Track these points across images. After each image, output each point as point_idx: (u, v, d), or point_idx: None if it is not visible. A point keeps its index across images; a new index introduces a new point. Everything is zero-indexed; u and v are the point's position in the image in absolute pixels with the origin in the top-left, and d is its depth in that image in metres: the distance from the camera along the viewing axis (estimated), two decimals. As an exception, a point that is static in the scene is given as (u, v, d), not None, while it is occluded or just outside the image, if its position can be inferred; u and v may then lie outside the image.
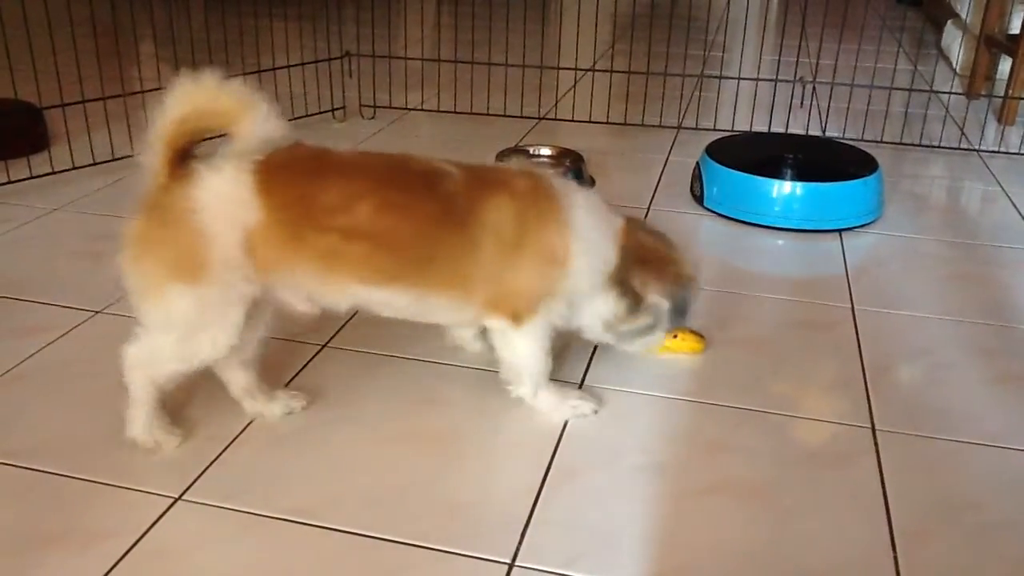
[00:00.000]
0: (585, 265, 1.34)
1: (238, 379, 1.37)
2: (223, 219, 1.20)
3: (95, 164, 2.38)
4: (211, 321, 1.23)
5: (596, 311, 1.41)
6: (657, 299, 1.41)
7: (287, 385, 1.45)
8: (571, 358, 1.56)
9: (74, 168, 2.34)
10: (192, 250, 1.20)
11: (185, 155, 1.21)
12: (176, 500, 1.19)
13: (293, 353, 1.54)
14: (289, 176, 1.23)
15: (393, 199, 1.26)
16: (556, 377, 1.49)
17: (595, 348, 1.58)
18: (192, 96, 1.18)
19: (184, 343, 1.24)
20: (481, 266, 1.29)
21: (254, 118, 1.20)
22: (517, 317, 1.33)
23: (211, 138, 1.22)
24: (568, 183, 1.40)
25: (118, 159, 2.42)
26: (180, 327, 1.23)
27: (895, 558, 1.14)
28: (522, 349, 1.37)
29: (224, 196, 1.21)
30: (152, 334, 1.26)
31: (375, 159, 1.32)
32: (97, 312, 1.67)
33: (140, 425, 1.29)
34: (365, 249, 1.25)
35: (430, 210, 1.27)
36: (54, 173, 2.31)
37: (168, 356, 1.26)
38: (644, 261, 1.41)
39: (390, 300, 1.32)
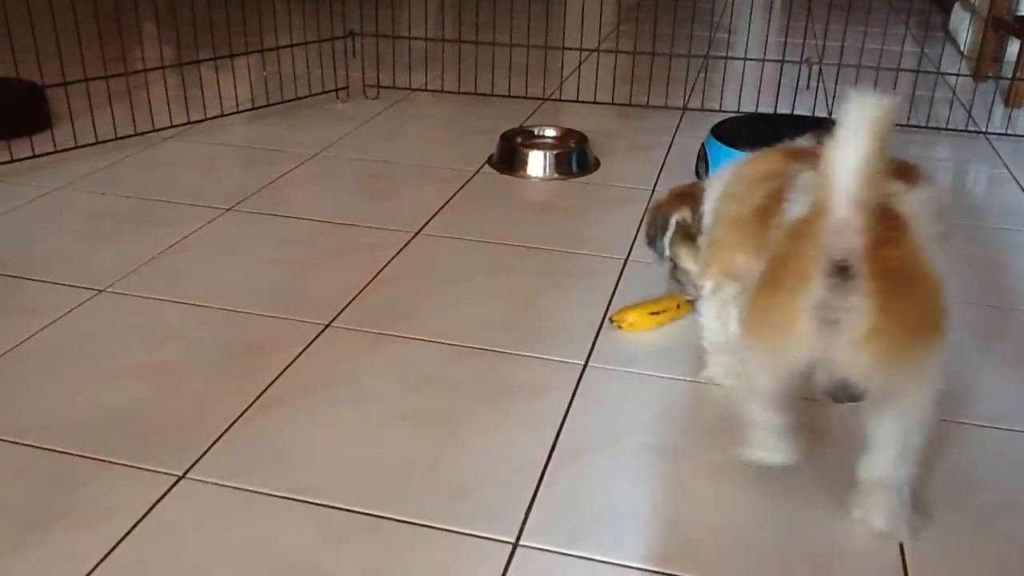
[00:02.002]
0: None
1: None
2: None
3: (98, 143, 2.37)
4: None
5: None
6: None
7: (289, 367, 1.45)
8: (575, 338, 1.55)
9: (77, 147, 2.33)
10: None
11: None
12: (180, 478, 1.19)
13: (296, 332, 1.54)
14: None
15: None
16: (560, 358, 1.49)
17: (599, 328, 1.58)
18: (875, 124, 0.91)
19: None
20: None
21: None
22: None
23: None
24: None
25: (121, 138, 2.42)
26: None
27: (899, 539, 1.14)
28: None
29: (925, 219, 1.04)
30: None
31: None
32: (101, 291, 1.66)
33: None
34: None
35: None
36: (56, 152, 2.30)
37: None
38: None
39: None
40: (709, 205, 1.45)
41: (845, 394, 1.06)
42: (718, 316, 1.44)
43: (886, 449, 1.11)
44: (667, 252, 1.55)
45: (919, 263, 1.02)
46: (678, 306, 1.61)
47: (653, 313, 1.59)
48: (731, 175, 1.40)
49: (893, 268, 0.99)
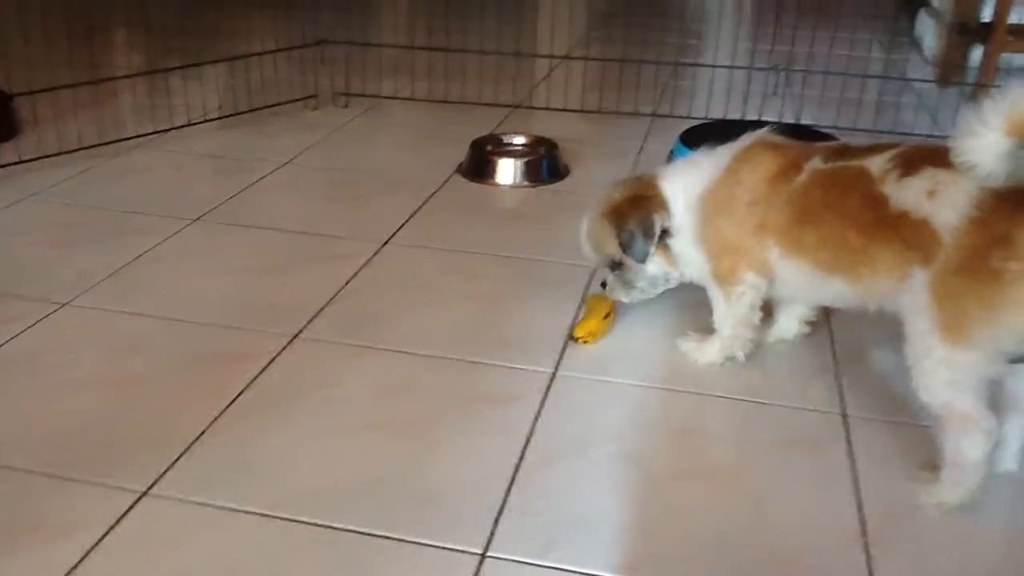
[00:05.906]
0: None
1: None
2: None
3: (64, 153, 2.34)
4: None
5: None
6: None
7: (256, 379, 1.44)
8: (545, 346, 1.55)
9: (43, 157, 2.31)
10: None
11: None
12: (143, 495, 1.18)
13: (264, 343, 1.53)
14: None
15: None
16: (529, 367, 1.49)
17: (568, 336, 1.58)
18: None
19: None
20: None
21: None
22: None
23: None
24: None
25: (87, 147, 2.39)
26: None
27: (865, 542, 1.14)
28: None
29: None
30: None
31: None
32: (64, 304, 1.64)
33: None
34: None
35: None
36: (22, 162, 2.27)
37: None
38: None
39: None
40: (694, 213, 1.49)
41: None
42: (745, 322, 1.50)
43: None
44: (651, 257, 1.53)
45: None
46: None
47: (605, 316, 1.61)
48: (719, 178, 1.46)
49: None
